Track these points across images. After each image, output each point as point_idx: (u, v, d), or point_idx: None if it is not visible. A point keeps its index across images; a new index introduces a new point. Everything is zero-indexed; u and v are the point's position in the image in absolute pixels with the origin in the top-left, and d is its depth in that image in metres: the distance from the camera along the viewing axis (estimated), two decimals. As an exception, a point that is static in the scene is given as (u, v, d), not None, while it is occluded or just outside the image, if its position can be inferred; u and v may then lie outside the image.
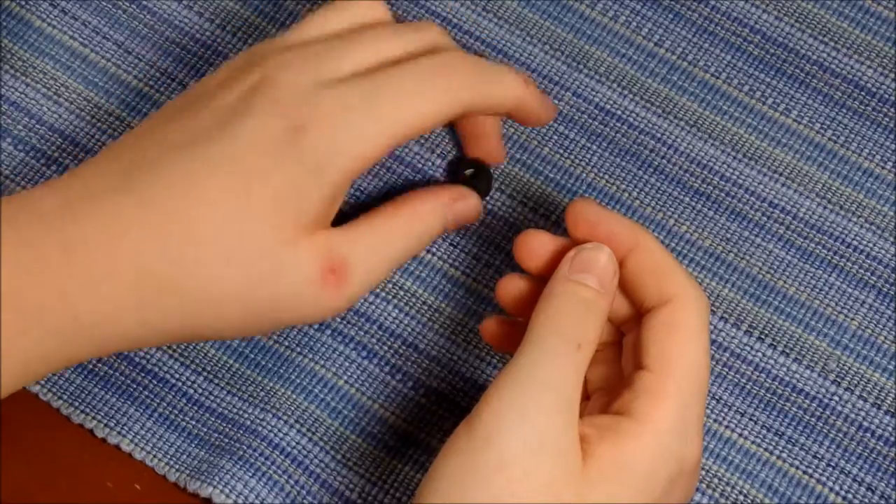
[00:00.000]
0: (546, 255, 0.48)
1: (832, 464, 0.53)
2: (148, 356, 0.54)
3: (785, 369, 0.55)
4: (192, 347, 0.54)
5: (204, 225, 0.44)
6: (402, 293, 0.55)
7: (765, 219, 0.57)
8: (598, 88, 0.59)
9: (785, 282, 0.56)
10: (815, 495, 0.53)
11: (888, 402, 0.54)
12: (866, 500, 0.53)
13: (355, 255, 0.47)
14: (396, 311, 0.55)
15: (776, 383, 0.54)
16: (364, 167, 0.46)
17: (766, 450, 0.53)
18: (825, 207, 0.57)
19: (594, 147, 0.58)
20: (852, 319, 0.55)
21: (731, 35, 0.59)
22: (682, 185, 0.57)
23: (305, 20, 0.49)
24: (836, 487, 0.53)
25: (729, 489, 0.53)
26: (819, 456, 0.53)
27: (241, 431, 0.53)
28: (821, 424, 0.54)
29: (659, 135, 0.58)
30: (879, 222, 0.57)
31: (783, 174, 0.57)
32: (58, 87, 0.58)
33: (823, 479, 0.53)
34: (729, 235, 0.56)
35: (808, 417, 0.54)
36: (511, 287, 0.48)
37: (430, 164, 0.57)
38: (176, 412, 0.53)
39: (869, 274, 0.56)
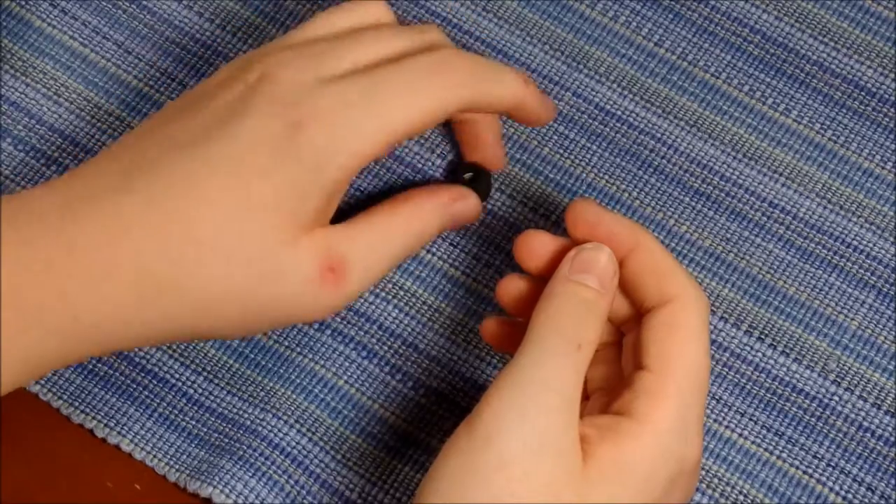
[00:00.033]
0: (546, 256, 0.48)
1: (832, 464, 0.53)
2: (148, 356, 0.54)
3: (785, 369, 0.55)
4: (192, 347, 0.54)
5: (204, 224, 0.44)
6: (402, 293, 0.55)
7: (765, 219, 0.57)
8: (598, 88, 0.59)
9: (785, 282, 0.56)
10: (815, 495, 0.53)
11: (888, 402, 0.54)
12: (866, 500, 0.53)
13: (354, 254, 0.47)
14: (396, 311, 0.55)
15: (776, 383, 0.54)
16: (363, 164, 0.46)
17: (766, 450, 0.53)
18: (825, 207, 0.57)
19: (594, 147, 0.58)
20: (852, 319, 0.55)
21: (731, 35, 0.59)
22: (682, 185, 0.57)
23: (309, 21, 0.49)
24: (836, 487, 0.53)
25: (729, 489, 0.53)
26: (819, 456, 0.53)
27: (241, 431, 0.53)
28: (821, 424, 0.54)
29: (659, 135, 0.58)
30: (879, 222, 0.57)
31: (783, 174, 0.57)
32: (58, 87, 0.58)
33: (823, 479, 0.53)
34: (729, 235, 0.56)
35: (808, 417, 0.54)
36: (511, 287, 0.48)
37: (429, 164, 0.57)
38: (176, 412, 0.53)
39: (869, 274, 0.56)
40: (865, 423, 0.54)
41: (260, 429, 0.53)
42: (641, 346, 0.46)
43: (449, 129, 0.57)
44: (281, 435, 0.53)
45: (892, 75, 0.59)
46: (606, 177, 0.57)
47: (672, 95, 0.58)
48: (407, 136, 0.47)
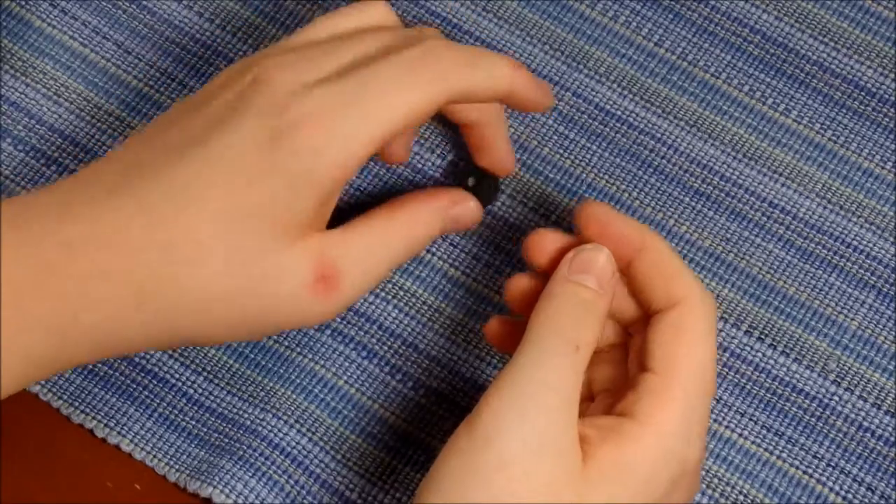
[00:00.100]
0: (555, 253, 0.48)
1: (832, 464, 0.53)
2: (148, 356, 0.54)
3: (785, 369, 0.55)
4: (192, 348, 0.54)
5: (197, 229, 0.44)
6: (402, 293, 0.55)
7: (765, 219, 0.57)
8: (597, 88, 0.59)
9: (785, 282, 0.56)
10: (815, 495, 0.53)
11: (888, 402, 0.54)
12: (866, 500, 0.53)
13: (348, 260, 0.46)
14: (396, 311, 0.55)
15: (776, 383, 0.54)
16: (356, 165, 0.45)
17: (766, 450, 0.53)
18: (825, 207, 0.57)
19: (594, 147, 0.58)
20: (852, 319, 0.55)
21: (731, 35, 0.59)
22: (682, 185, 0.57)
23: (310, 23, 0.49)
24: (836, 487, 0.53)
25: (729, 489, 0.53)
26: (819, 456, 0.53)
27: (241, 431, 0.53)
28: (821, 424, 0.54)
29: (659, 135, 0.58)
30: (879, 222, 0.57)
31: (783, 174, 0.57)
32: (58, 87, 0.58)
33: (823, 479, 0.53)
34: (729, 235, 0.56)
35: (808, 417, 0.54)
36: (520, 286, 0.48)
37: (429, 164, 0.57)
38: (176, 412, 0.53)
39: (869, 274, 0.56)
40: (865, 423, 0.54)
41: (260, 429, 0.53)
42: (647, 348, 0.46)
43: (450, 128, 0.57)
44: (281, 435, 0.53)
45: (892, 75, 0.59)
46: (606, 177, 0.57)
47: (672, 95, 0.58)
48: (397, 133, 0.46)
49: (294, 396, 0.53)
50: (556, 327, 0.45)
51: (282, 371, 0.54)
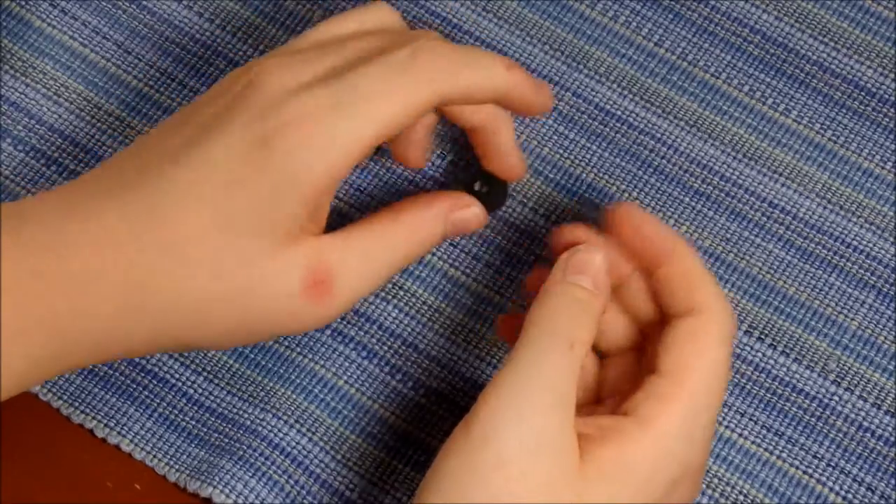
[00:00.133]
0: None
1: (832, 464, 0.53)
2: (148, 356, 0.54)
3: (785, 369, 0.55)
4: (192, 347, 0.54)
5: (184, 235, 0.44)
6: (402, 293, 0.55)
7: (765, 219, 0.57)
8: (597, 88, 0.59)
9: (785, 282, 0.56)
10: (815, 495, 0.53)
11: (888, 402, 0.54)
12: (866, 500, 0.53)
13: (343, 265, 0.46)
14: (396, 311, 0.55)
15: (776, 383, 0.54)
16: (344, 168, 0.45)
17: (766, 450, 0.53)
18: (825, 208, 0.57)
19: (594, 147, 0.58)
20: (852, 319, 0.55)
21: (731, 35, 0.59)
22: (682, 185, 0.57)
23: (315, 26, 0.49)
24: (836, 487, 0.53)
25: (729, 489, 0.53)
26: (819, 456, 0.53)
27: (241, 431, 0.53)
28: (821, 424, 0.54)
29: (659, 135, 0.58)
30: (879, 222, 0.57)
31: (783, 174, 0.57)
32: (58, 87, 0.58)
33: (823, 479, 0.53)
34: (729, 235, 0.56)
35: (808, 417, 0.54)
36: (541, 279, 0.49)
37: (429, 163, 0.57)
38: (176, 412, 0.53)
39: (869, 274, 0.56)
40: (865, 423, 0.54)
41: (260, 429, 0.53)
42: (659, 351, 0.46)
43: (451, 127, 0.57)
44: (281, 435, 0.53)
45: (892, 75, 0.59)
46: (606, 177, 0.57)
47: (672, 95, 0.58)
48: (385, 137, 0.45)
49: (294, 396, 0.53)
50: (551, 326, 0.45)
51: (282, 371, 0.54)
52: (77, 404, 0.53)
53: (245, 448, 0.52)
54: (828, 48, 0.59)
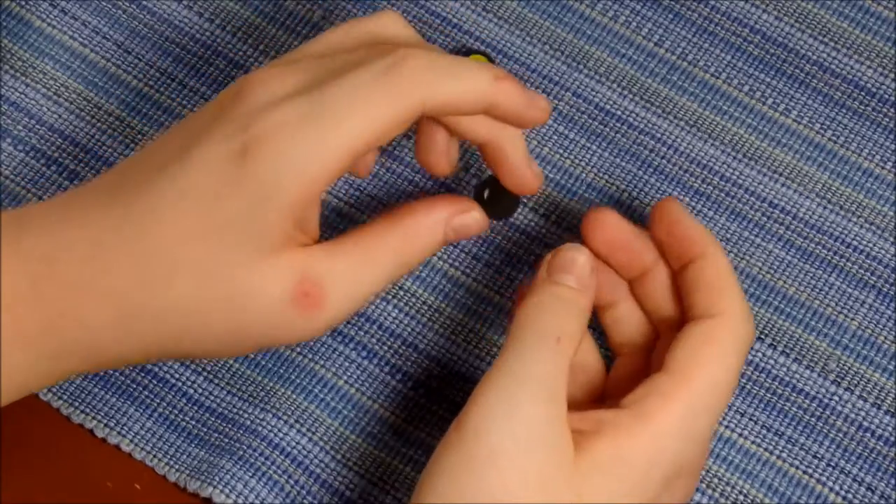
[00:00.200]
0: (614, 235, 0.49)
1: (832, 464, 0.53)
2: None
3: (785, 369, 0.55)
4: (192, 347, 0.54)
5: (170, 243, 0.44)
6: (402, 293, 0.55)
7: (765, 219, 0.57)
8: (597, 88, 0.59)
9: (785, 282, 0.56)
10: (815, 495, 0.53)
11: (888, 402, 0.54)
12: (866, 500, 0.53)
13: (333, 276, 0.45)
14: (396, 311, 0.55)
15: (776, 383, 0.54)
16: (323, 181, 0.44)
17: (766, 450, 0.53)
18: (825, 207, 0.57)
19: (594, 147, 0.58)
20: (852, 319, 0.55)
21: (730, 35, 0.59)
22: (682, 185, 0.57)
23: (320, 34, 0.48)
24: (836, 487, 0.53)
25: (729, 489, 0.53)
26: (819, 456, 0.53)
27: (241, 431, 0.53)
28: (821, 424, 0.54)
29: (659, 135, 0.58)
30: (879, 222, 0.57)
31: (783, 174, 0.57)
32: (58, 87, 0.58)
33: (823, 478, 0.53)
34: (729, 235, 0.56)
35: (808, 417, 0.54)
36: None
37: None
38: (176, 412, 0.53)
39: (869, 274, 0.56)
40: (865, 423, 0.54)
41: (260, 429, 0.53)
42: (671, 350, 0.46)
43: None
44: (281, 435, 0.53)
45: (892, 75, 0.59)
46: (606, 177, 0.57)
47: (672, 95, 0.58)
48: (365, 148, 0.44)
49: (294, 396, 0.53)
50: (537, 324, 0.45)
51: (282, 371, 0.54)
52: (77, 404, 0.53)
53: (245, 448, 0.52)
54: (828, 48, 0.59)
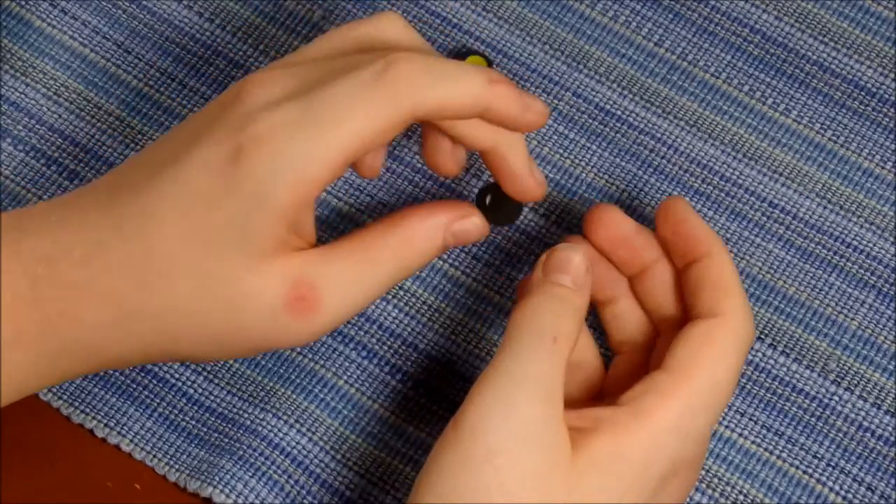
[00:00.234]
0: (616, 232, 0.49)
1: (832, 463, 0.53)
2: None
3: (785, 369, 0.55)
4: (192, 347, 0.54)
5: (165, 248, 0.44)
6: (402, 293, 0.55)
7: (765, 219, 0.57)
8: (597, 88, 0.59)
9: (785, 282, 0.56)
10: (815, 495, 0.53)
11: (888, 401, 0.54)
12: (866, 500, 0.53)
13: (329, 280, 0.45)
14: (396, 310, 0.55)
15: (776, 383, 0.54)
16: (315, 186, 0.43)
17: (766, 450, 0.53)
18: (825, 207, 0.57)
19: (594, 147, 0.58)
20: (852, 319, 0.55)
21: (730, 35, 0.59)
22: (682, 185, 0.57)
23: (321, 35, 0.48)
24: (836, 487, 0.53)
25: (729, 489, 0.53)
26: (819, 456, 0.53)
27: (241, 431, 0.53)
28: (821, 424, 0.54)
29: (659, 135, 0.58)
30: (879, 222, 0.57)
31: (783, 174, 0.57)
32: (58, 87, 0.58)
33: (823, 478, 0.53)
34: (729, 235, 0.56)
35: (807, 417, 0.54)
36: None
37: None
38: (176, 412, 0.53)
39: (869, 274, 0.56)
40: (865, 423, 0.54)
41: (260, 429, 0.53)
42: (672, 348, 0.46)
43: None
44: (281, 435, 0.53)
45: (892, 75, 0.59)
46: (606, 177, 0.57)
47: (672, 95, 0.58)
48: (357, 152, 0.44)
49: (294, 396, 0.53)
50: (534, 324, 0.45)
51: (282, 371, 0.54)
52: (77, 404, 0.53)
53: (245, 448, 0.52)
54: (828, 48, 0.59)
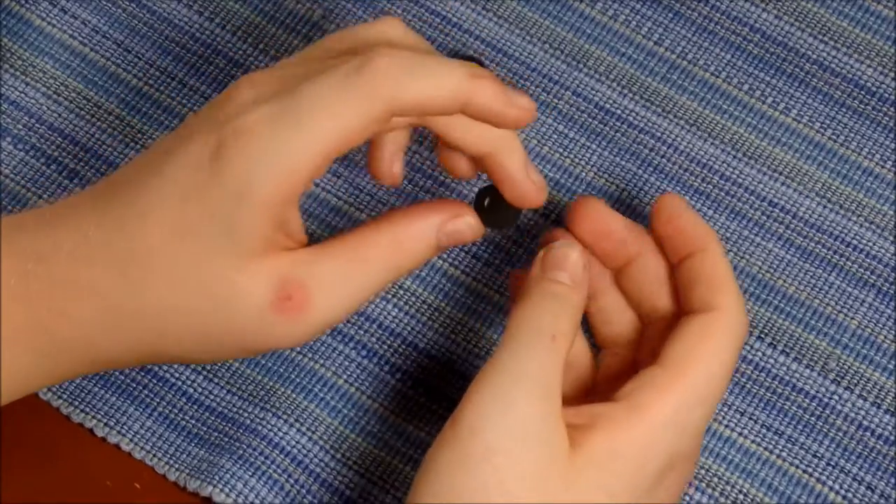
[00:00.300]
0: (599, 224, 0.49)
1: (832, 463, 0.53)
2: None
3: (785, 368, 0.55)
4: (191, 346, 0.54)
5: (149, 245, 0.44)
6: (401, 292, 0.55)
7: (764, 218, 0.57)
8: (597, 87, 0.59)
9: (785, 281, 0.56)
10: (815, 494, 0.53)
11: (888, 400, 0.54)
12: (866, 499, 0.53)
13: (318, 280, 0.44)
14: (396, 310, 0.55)
15: (776, 382, 0.54)
16: (294, 183, 0.43)
17: (765, 449, 0.53)
18: (825, 206, 0.57)
19: (594, 146, 0.58)
20: (852, 318, 0.55)
21: (730, 34, 0.59)
22: (682, 184, 0.57)
23: (317, 41, 0.48)
24: (836, 486, 0.53)
25: (729, 488, 0.53)
26: (819, 455, 0.53)
27: (241, 430, 0.53)
28: (820, 423, 0.54)
29: (659, 134, 0.58)
30: (879, 221, 0.57)
31: (783, 173, 0.57)
32: (58, 87, 0.58)
33: (823, 477, 0.53)
34: (729, 235, 0.56)
35: (807, 416, 0.54)
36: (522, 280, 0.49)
37: (428, 162, 0.57)
38: (176, 411, 0.53)
39: (869, 273, 0.56)
40: (865, 422, 0.54)
41: (260, 428, 0.53)
42: (666, 344, 0.46)
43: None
44: (281, 434, 0.53)
45: (892, 74, 0.59)
46: (606, 176, 0.57)
47: (672, 94, 0.58)
48: (337, 149, 0.43)
49: (294, 395, 0.53)
50: (532, 322, 0.45)
51: (281, 370, 0.54)
52: (77, 403, 0.53)
53: (245, 447, 0.52)
54: (828, 47, 0.59)
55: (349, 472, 0.53)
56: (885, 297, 0.55)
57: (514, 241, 0.56)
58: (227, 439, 0.53)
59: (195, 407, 0.54)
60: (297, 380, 0.54)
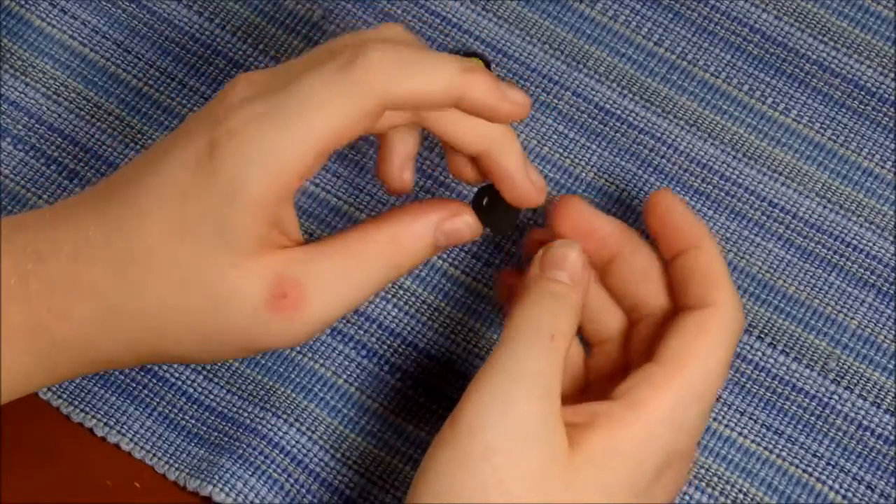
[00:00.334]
0: (581, 222, 0.48)
1: (832, 462, 0.53)
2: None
3: (785, 368, 0.55)
4: (191, 346, 0.54)
5: (146, 244, 0.44)
6: (401, 292, 0.55)
7: (764, 218, 0.57)
8: (597, 88, 0.59)
9: (785, 281, 0.56)
10: (815, 494, 0.53)
11: (888, 400, 0.54)
12: (866, 499, 0.53)
13: (314, 279, 0.44)
14: (396, 309, 0.55)
15: (776, 382, 0.54)
16: (287, 179, 0.43)
17: (765, 448, 0.53)
18: (825, 207, 0.57)
19: (594, 146, 0.58)
20: (852, 318, 0.55)
21: (730, 34, 0.59)
22: (682, 184, 0.57)
23: (320, 45, 0.47)
24: (836, 486, 0.53)
25: (729, 487, 0.53)
26: (819, 454, 0.53)
27: (241, 430, 0.53)
28: (820, 423, 0.54)
29: (658, 134, 0.58)
30: (879, 221, 0.57)
31: (783, 173, 0.57)
32: (57, 87, 0.58)
33: (823, 477, 0.53)
34: (729, 235, 0.56)
35: (807, 416, 0.54)
36: (508, 280, 0.48)
37: (428, 162, 0.57)
38: (176, 411, 0.53)
39: (868, 273, 0.56)
40: (865, 422, 0.54)
41: (260, 427, 0.53)
42: (662, 340, 0.46)
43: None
44: (281, 434, 0.53)
45: (892, 75, 0.59)
46: (606, 176, 0.57)
47: (672, 95, 0.58)
48: (330, 145, 0.43)
49: (294, 395, 0.53)
50: (531, 321, 0.45)
51: (281, 370, 0.54)
52: (76, 403, 0.53)
53: (245, 447, 0.52)
54: (827, 47, 0.59)
55: (349, 471, 0.53)
56: (885, 297, 0.55)
57: (513, 241, 0.56)
58: (227, 439, 0.53)
59: (195, 407, 0.54)
60: (297, 379, 0.54)
